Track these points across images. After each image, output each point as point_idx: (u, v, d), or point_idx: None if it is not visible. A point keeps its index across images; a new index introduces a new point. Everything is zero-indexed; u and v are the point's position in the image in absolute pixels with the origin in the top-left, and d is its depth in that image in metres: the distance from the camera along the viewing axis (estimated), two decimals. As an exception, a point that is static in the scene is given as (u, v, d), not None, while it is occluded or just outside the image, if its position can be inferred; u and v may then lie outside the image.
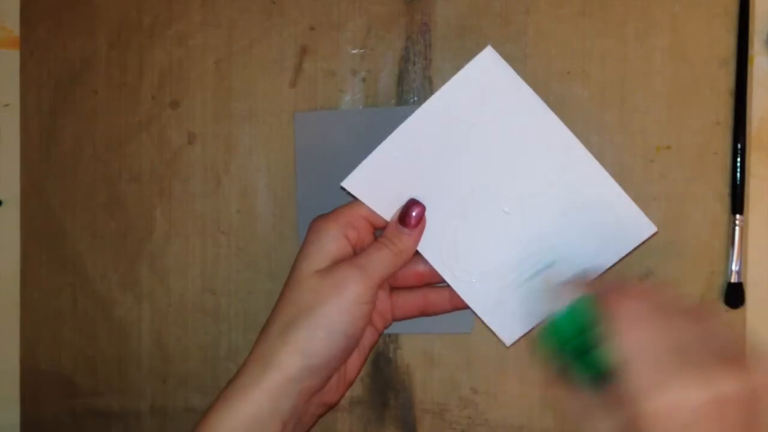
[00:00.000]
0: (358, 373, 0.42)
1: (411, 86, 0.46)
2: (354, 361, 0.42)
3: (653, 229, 0.41)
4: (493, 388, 0.46)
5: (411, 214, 0.40)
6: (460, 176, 0.40)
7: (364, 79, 0.47)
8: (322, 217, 0.40)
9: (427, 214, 0.41)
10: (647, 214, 0.44)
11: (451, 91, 0.39)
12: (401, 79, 0.47)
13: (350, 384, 0.42)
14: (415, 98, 0.46)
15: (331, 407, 0.42)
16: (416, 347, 0.47)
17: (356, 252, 0.40)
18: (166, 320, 0.48)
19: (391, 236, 0.40)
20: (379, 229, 0.41)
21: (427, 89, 0.46)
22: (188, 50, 0.48)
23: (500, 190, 0.41)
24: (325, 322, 0.38)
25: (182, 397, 0.48)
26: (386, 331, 0.45)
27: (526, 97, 0.39)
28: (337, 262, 0.39)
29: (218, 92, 0.48)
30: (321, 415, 0.41)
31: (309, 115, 0.47)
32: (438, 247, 0.41)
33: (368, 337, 0.42)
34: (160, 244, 0.48)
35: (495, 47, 0.40)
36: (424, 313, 0.43)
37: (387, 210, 0.41)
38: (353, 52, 0.47)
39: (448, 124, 0.39)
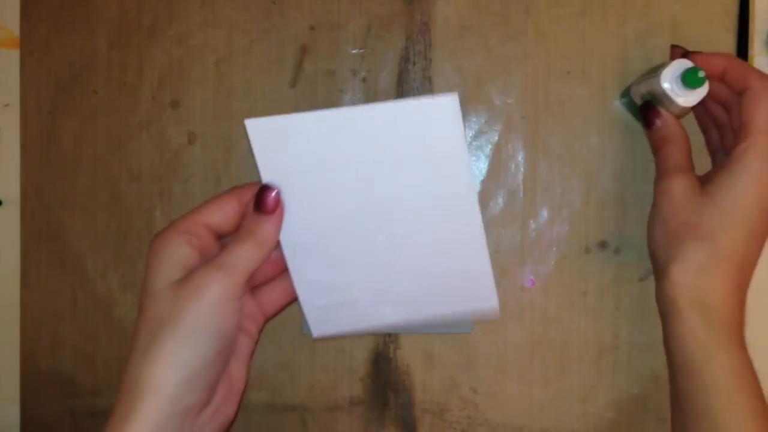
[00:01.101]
0: (245, 382, 0.40)
1: (411, 86, 0.46)
2: (236, 369, 0.39)
3: (496, 315, 0.43)
4: (493, 388, 0.46)
5: (267, 198, 0.37)
6: (357, 190, 0.39)
7: (364, 79, 0.47)
8: (158, 233, 0.37)
9: (301, 205, 0.38)
10: (647, 213, 0.44)
11: (398, 112, 0.38)
12: (401, 79, 0.47)
13: (240, 394, 0.40)
14: (415, 98, 0.46)
15: (229, 424, 0.39)
16: (416, 347, 0.47)
17: (204, 260, 0.37)
18: (166, 320, 0.48)
19: (250, 226, 0.37)
20: (224, 236, 0.39)
21: (428, 89, 0.46)
22: (188, 50, 0.48)
23: (386, 221, 0.40)
24: (191, 329, 0.35)
25: (182, 397, 0.48)
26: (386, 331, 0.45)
27: (459, 158, 0.38)
28: (192, 270, 0.36)
29: (218, 92, 0.48)
30: None
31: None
32: (296, 239, 0.39)
33: (244, 344, 0.40)
34: (160, 244, 0.48)
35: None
36: (293, 299, 0.42)
37: (269, 174, 0.38)
38: (353, 52, 0.47)
39: (376, 137, 0.38)
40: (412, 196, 0.39)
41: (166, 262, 0.36)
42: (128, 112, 0.48)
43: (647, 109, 0.41)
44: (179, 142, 0.48)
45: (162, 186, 0.48)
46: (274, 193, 0.38)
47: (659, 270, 0.40)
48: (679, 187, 0.39)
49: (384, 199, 0.39)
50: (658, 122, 0.41)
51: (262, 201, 0.38)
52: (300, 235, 0.39)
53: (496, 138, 0.46)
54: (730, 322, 0.37)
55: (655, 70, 0.40)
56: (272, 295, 0.41)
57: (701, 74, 0.39)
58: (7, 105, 0.50)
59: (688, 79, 0.39)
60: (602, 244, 0.45)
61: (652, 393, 0.45)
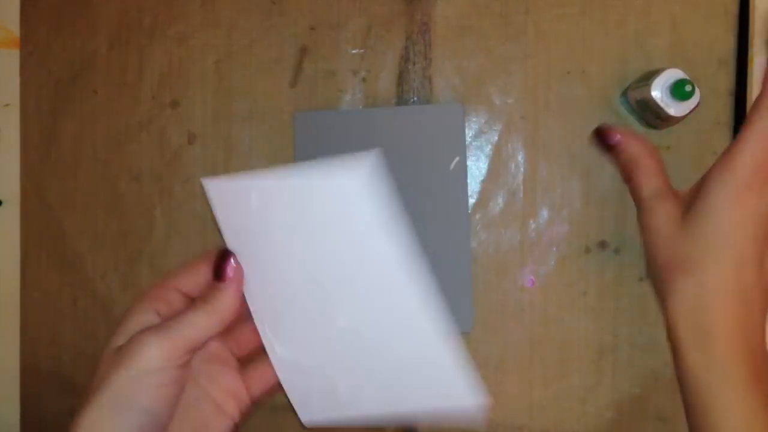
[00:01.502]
0: None
1: (411, 86, 0.46)
2: None
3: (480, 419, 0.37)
4: (493, 388, 0.46)
5: (220, 266, 0.35)
6: (309, 261, 0.35)
7: (364, 79, 0.47)
8: (135, 298, 0.36)
9: (265, 272, 0.36)
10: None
11: (319, 173, 0.34)
12: (401, 79, 0.47)
13: None
14: (415, 98, 0.46)
15: None
16: (416, 347, 0.47)
17: None
18: (166, 320, 0.48)
19: (205, 294, 0.35)
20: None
21: (427, 89, 0.46)
22: (188, 50, 0.48)
23: (344, 300, 0.36)
24: (114, 396, 0.31)
25: (182, 397, 0.48)
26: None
27: (383, 227, 0.34)
28: None
29: (218, 92, 0.48)
30: None
31: (309, 114, 0.47)
32: (264, 310, 0.37)
33: (221, 427, 0.36)
34: (160, 244, 0.48)
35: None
36: None
37: (231, 235, 0.36)
38: (353, 52, 0.47)
39: (312, 202, 0.34)
40: (358, 272, 0.35)
41: (125, 329, 0.34)
42: (128, 112, 0.48)
43: (600, 134, 0.40)
44: (179, 142, 0.48)
45: (162, 186, 0.48)
46: (229, 261, 0.35)
47: (660, 304, 0.38)
48: (659, 221, 0.37)
49: (336, 274, 0.35)
50: (617, 138, 0.40)
51: (217, 268, 0.35)
52: (267, 306, 0.36)
53: (496, 138, 0.46)
54: (735, 356, 0.34)
55: (648, 77, 0.41)
56: (261, 373, 0.38)
57: (688, 87, 0.39)
58: (7, 105, 0.50)
59: (676, 91, 0.39)
60: (602, 244, 0.45)
61: (652, 393, 0.45)
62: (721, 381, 0.34)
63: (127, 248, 0.49)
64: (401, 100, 0.47)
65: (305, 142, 0.46)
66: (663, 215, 0.37)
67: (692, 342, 0.35)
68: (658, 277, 0.37)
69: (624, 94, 0.45)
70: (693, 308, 0.35)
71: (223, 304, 0.34)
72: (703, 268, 0.35)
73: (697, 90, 0.40)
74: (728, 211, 0.35)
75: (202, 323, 0.34)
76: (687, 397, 0.36)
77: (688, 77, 0.40)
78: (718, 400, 0.34)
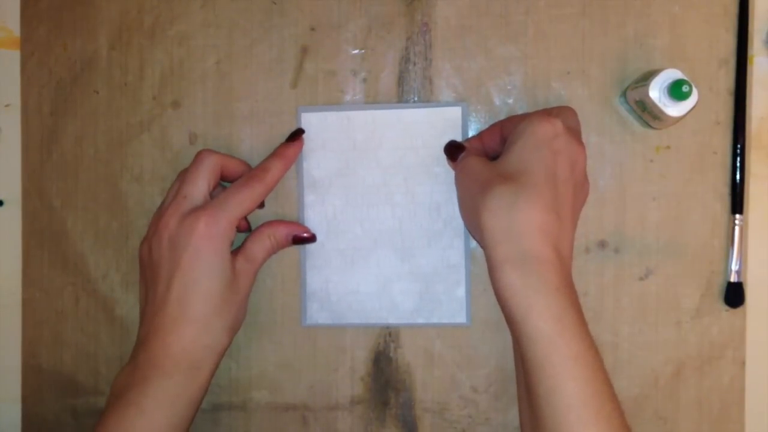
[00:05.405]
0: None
1: (411, 86, 0.47)
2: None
3: (463, 320, 0.46)
4: (494, 388, 0.46)
5: (298, 134, 0.46)
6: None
7: (364, 80, 0.47)
8: (195, 160, 0.45)
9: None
10: (647, 213, 0.44)
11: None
12: (401, 79, 0.47)
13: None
14: (416, 98, 0.46)
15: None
16: (417, 346, 0.47)
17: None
18: (167, 320, 0.48)
19: (255, 170, 0.44)
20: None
21: (428, 89, 0.46)
22: (189, 50, 0.48)
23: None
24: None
25: (183, 396, 0.48)
26: (386, 325, 0.45)
27: None
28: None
29: (219, 92, 0.48)
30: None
31: (312, 109, 0.47)
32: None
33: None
34: (161, 244, 0.48)
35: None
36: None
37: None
38: (354, 52, 0.47)
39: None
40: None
41: (191, 188, 0.44)
42: (129, 113, 0.48)
43: (449, 148, 0.44)
44: (180, 142, 0.48)
45: (164, 186, 0.48)
46: (302, 134, 0.47)
47: (478, 238, 0.39)
48: (474, 159, 0.41)
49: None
50: (462, 155, 0.43)
51: (293, 134, 0.46)
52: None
53: (497, 138, 0.46)
54: (546, 264, 0.36)
55: (647, 78, 0.41)
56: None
57: (686, 88, 0.39)
58: (7, 105, 0.50)
59: (674, 92, 0.39)
60: (602, 244, 0.46)
61: (652, 393, 0.45)
62: (534, 288, 0.35)
63: (128, 248, 0.49)
64: (401, 100, 0.47)
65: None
66: (476, 157, 0.41)
67: (506, 250, 0.36)
68: (473, 204, 0.38)
69: (623, 94, 0.45)
70: (507, 210, 0.36)
71: (272, 178, 0.44)
72: (516, 179, 0.37)
73: (695, 90, 0.40)
74: (531, 138, 0.38)
75: (248, 201, 0.43)
76: (504, 309, 0.36)
77: (685, 77, 0.40)
78: (533, 308, 0.35)
